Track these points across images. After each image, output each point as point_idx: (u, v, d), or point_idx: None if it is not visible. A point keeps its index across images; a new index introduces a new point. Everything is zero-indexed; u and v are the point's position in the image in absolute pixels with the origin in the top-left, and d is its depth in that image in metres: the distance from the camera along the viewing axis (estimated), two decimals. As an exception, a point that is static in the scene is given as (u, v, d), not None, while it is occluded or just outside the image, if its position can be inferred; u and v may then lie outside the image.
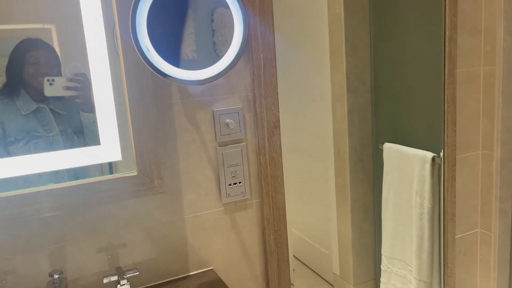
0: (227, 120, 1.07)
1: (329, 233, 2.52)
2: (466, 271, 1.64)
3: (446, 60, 1.33)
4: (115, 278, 0.92)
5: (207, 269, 1.10)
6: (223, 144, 1.09)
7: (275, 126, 1.11)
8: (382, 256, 2.09)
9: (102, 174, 0.93)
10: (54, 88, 0.87)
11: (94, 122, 0.91)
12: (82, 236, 0.95)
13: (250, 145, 1.12)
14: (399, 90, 1.94)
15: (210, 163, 1.08)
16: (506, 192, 1.46)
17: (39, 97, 0.87)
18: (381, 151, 2.05)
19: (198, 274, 1.08)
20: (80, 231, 0.95)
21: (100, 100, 0.89)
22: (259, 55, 1.06)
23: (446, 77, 1.37)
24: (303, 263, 2.89)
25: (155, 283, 1.04)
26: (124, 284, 0.91)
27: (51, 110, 0.88)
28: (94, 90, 0.88)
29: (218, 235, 1.11)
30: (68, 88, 0.88)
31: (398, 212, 1.96)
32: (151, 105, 0.94)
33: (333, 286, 2.57)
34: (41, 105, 0.88)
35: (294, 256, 2.92)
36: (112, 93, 0.89)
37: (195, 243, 1.08)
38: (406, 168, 1.88)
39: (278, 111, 1.10)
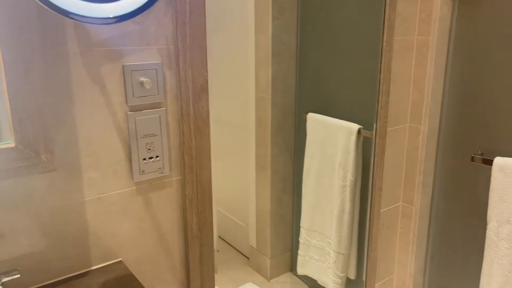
0: (142, 79, 0.85)
1: (246, 206, 2.42)
2: (386, 244, 1.65)
3: (385, 27, 1.24)
4: (-17, 285, 0.68)
5: (115, 261, 0.90)
6: (137, 109, 0.87)
7: (203, 89, 0.92)
8: (301, 229, 2.05)
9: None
10: None
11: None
12: None
13: (171, 111, 0.91)
14: (326, 58, 1.85)
15: (119, 132, 0.86)
16: (429, 166, 1.46)
17: None
18: (304, 121, 1.96)
19: (102, 268, 0.88)
20: None
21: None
22: (184, -2, 0.85)
23: (384, 44, 1.28)
24: (218, 236, 2.78)
25: (45, 283, 0.82)
26: (-3, 294, 0.68)
27: None
28: None
29: (129, 221, 0.91)
30: None
31: (319, 184, 1.91)
32: (36, 51, 0.69)
33: (248, 258, 2.51)
34: None
35: (208, 229, 2.79)
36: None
37: (98, 231, 0.87)
38: (330, 139, 1.81)
39: (207, 71, 0.91)
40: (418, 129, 1.44)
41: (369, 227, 1.55)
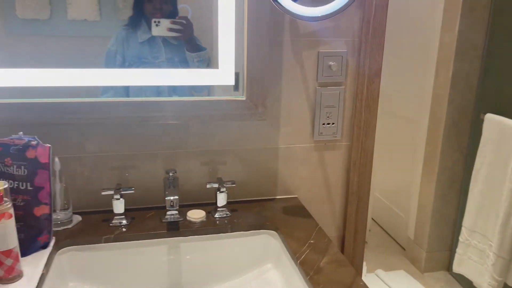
0: (330, 63, 1.13)
1: (409, 198, 2.51)
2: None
3: None
4: (216, 185, 1.07)
5: (292, 196, 1.22)
6: (323, 85, 1.16)
7: (376, 74, 1.15)
8: (462, 228, 2.06)
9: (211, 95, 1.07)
10: (159, 28, 1.00)
11: (196, 61, 1.03)
12: (192, 147, 1.12)
13: (348, 89, 1.17)
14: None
15: (308, 101, 1.16)
16: None
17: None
18: (481, 121, 1.96)
19: (283, 199, 1.21)
20: (191, 141, 1.11)
21: (224, 32, 1.01)
22: (371, 1, 1.09)
23: None
24: (376, 222, 2.93)
25: (246, 199, 1.19)
26: (223, 192, 1.06)
27: (163, 40, 1.02)
28: (220, 20, 0.99)
29: (306, 169, 1.21)
30: (171, 29, 1.00)
31: (488, 185, 1.89)
32: (266, 40, 1.04)
33: (404, 249, 2.60)
34: (155, 36, 1.01)
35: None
36: (234, 26, 1.00)
37: (284, 172, 1.20)
38: (507, 142, 1.79)
39: (381, 60, 1.13)
40: None
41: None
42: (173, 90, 1.05)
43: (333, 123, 1.19)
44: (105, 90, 1.03)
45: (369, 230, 2.71)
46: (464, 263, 2.07)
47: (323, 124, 1.18)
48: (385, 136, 2.75)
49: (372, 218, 2.96)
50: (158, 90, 1.04)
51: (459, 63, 2.06)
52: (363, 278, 1.05)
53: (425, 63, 2.28)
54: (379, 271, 2.28)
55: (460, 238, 2.09)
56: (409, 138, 2.50)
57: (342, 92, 1.17)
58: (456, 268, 2.12)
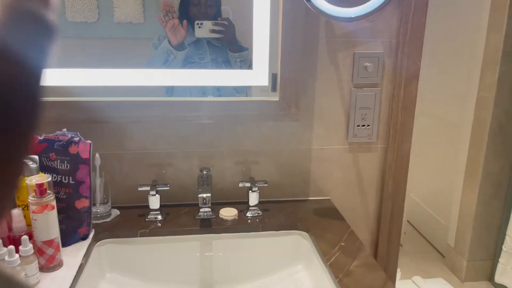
0: (366, 64, 1.12)
1: (449, 204, 2.42)
2: None
3: None
4: (248, 184, 1.08)
5: (325, 198, 1.21)
6: (358, 87, 1.14)
7: (414, 76, 1.12)
8: (506, 236, 1.97)
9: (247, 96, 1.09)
10: (202, 30, 1.02)
11: (238, 62, 1.04)
12: (227, 146, 1.13)
13: (384, 91, 1.15)
14: None
15: (342, 102, 1.15)
16: None
17: (200, 31, 1.03)
18: (530, 125, 1.86)
19: (316, 200, 1.20)
20: (225, 141, 1.13)
21: (258, 33, 1.02)
22: (410, 0, 1.07)
23: None
24: (415, 228, 2.85)
25: (279, 199, 1.19)
26: (255, 191, 1.08)
27: (208, 42, 1.04)
28: (254, 21, 1.01)
29: (339, 170, 1.20)
30: (213, 31, 1.02)
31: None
32: (300, 41, 1.04)
33: (444, 257, 2.51)
34: (200, 38, 1.04)
35: (407, 220, 2.88)
36: (269, 28, 1.01)
37: (317, 173, 1.19)
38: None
39: (420, 61, 1.10)
40: None
41: None
42: (218, 89, 1.07)
43: (368, 125, 1.17)
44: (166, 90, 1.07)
45: (404, 233, 2.63)
46: (507, 273, 1.98)
47: (358, 126, 1.17)
48: (426, 139, 2.67)
49: (411, 223, 2.88)
50: (203, 90, 1.07)
51: (506, 65, 1.97)
52: (397, 283, 1.03)
53: (470, 65, 2.19)
54: (417, 278, 2.21)
55: (503, 247, 2.00)
56: (452, 141, 2.41)
57: (378, 94, 1.15)
58: (498, 278, 2.03)
